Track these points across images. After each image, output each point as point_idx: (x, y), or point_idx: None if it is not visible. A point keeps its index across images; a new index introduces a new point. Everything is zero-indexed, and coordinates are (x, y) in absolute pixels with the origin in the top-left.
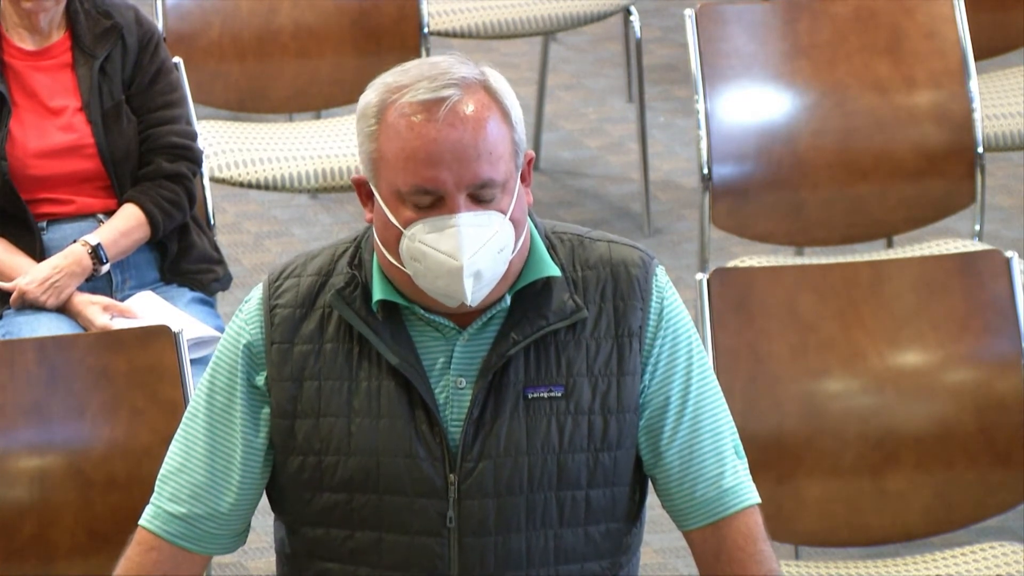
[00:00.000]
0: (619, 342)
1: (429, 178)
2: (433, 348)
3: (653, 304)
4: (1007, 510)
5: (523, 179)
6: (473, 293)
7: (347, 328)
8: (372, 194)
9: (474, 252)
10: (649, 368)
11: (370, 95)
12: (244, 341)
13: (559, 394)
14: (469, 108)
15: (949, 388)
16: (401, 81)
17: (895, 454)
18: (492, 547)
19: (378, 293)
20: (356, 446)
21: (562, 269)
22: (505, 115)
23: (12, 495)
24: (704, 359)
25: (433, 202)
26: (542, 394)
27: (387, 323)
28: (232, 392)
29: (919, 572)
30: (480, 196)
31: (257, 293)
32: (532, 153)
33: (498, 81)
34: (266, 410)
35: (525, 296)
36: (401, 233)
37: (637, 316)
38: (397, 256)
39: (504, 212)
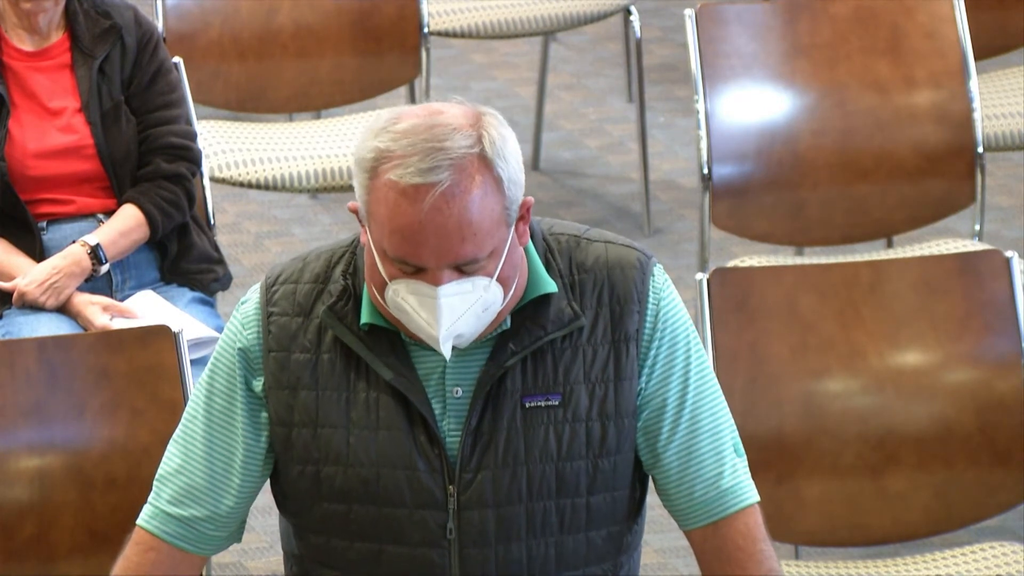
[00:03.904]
0: (616, 347)
1: (411, 254)
2: (428, 359)
3: (650, 306)
4: (1007, 510)
5: (522, 220)
6: (456, 349)
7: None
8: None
9: (453, 322)
10: (646, 370)
11: (366, 145)
12: (240, 345)
13: (556, 402)
14: (457, 190)
15: (949, 388)
16: (392, 150)
17: (895, 454)
18: (493, 557)
19: (365, 316)
20: (355, 458)
21: (559, 274)
22: (497, 184)
23: (12, 495)
24: (702, 358)
25: (416, 270)
26: (539, 403)
27: (381, 336)
28: (231, 395)
29: (919, 572)
30: (464, 269)
31: (254, 297)
32: (531, 200)
33: (495, 140)
34: (265, 414)
35: (523, 308)
36: (386, 283)
37: (634, 320)
38: (383, 298)
39: (491, 275)
